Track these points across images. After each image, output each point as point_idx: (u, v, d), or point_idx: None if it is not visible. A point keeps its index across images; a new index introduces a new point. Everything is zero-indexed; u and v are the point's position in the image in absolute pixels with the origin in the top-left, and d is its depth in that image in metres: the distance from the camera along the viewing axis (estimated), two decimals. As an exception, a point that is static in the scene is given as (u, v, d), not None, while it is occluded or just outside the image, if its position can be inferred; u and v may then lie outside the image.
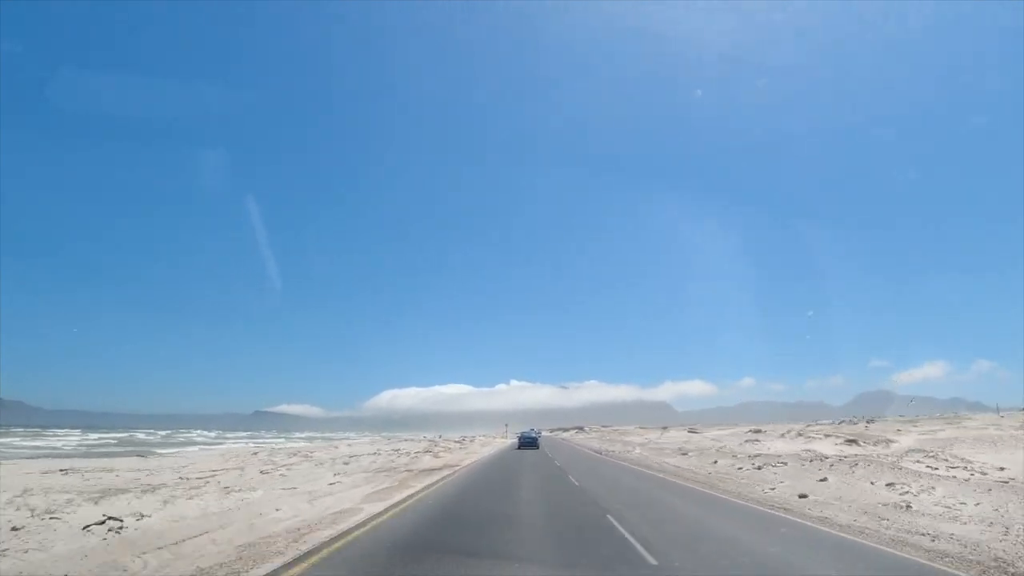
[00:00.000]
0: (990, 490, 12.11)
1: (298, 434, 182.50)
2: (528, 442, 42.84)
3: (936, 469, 16.28)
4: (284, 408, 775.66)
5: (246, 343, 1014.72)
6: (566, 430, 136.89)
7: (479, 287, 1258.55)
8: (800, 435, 34.64)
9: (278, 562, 6.85)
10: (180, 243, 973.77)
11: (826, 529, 9.26)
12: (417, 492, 14.27)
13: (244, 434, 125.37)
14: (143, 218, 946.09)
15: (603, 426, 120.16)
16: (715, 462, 23.07)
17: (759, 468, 19.26)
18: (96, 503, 11.36)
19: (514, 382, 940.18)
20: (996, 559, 7.06)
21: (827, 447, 26.40)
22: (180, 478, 17.39)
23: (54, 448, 47.29)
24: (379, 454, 32.64)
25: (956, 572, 6.55)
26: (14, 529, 8.71)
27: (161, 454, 38.09)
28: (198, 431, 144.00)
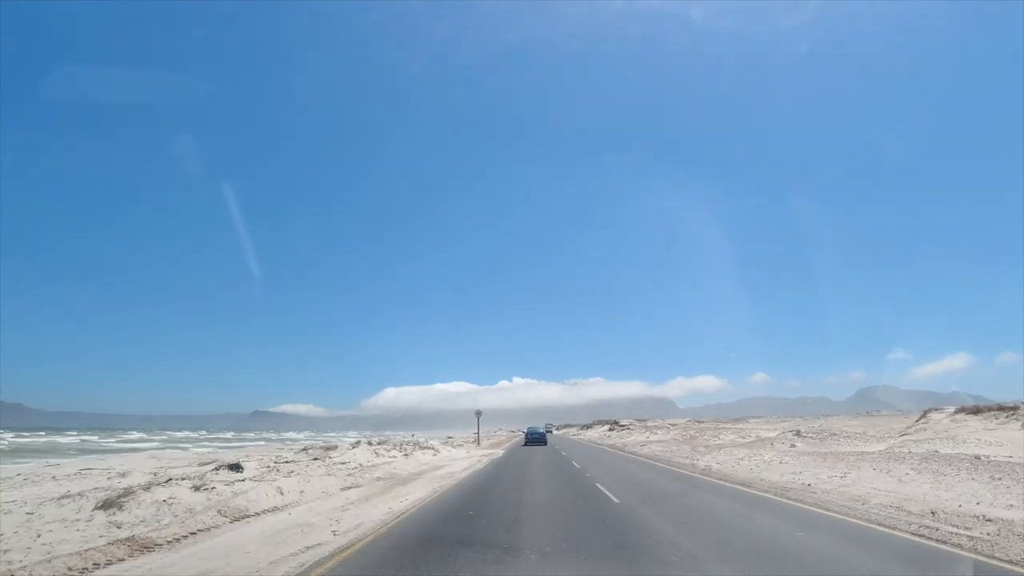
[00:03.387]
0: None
1: (294, 434, 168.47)
2: (536, 438, 42.97)
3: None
4: (285, 408, 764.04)
5: (246, 344, 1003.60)
6: (588, 426, 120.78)
7: (480, 284, 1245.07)
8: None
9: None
10: (181, 246, 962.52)
11: None
12: None
13: (202, 435, 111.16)
14: (145, 220, 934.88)
15: (638, 420, 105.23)
16: None
17: None
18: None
19: (516, 379, 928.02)
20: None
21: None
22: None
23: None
24: None
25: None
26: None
27: None
28: (187, 432, 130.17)
